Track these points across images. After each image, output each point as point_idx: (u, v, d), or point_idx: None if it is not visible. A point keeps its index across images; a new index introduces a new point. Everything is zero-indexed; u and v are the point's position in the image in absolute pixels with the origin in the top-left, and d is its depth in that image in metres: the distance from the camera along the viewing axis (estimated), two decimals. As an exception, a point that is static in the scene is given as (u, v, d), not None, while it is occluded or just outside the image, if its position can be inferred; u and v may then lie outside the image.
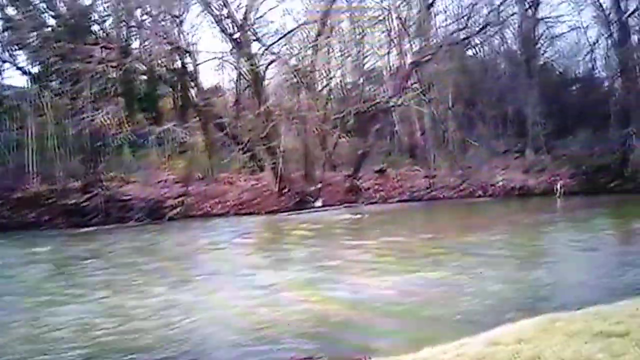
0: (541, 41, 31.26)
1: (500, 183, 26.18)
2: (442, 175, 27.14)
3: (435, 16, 31.59)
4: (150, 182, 21.74)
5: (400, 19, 29.59)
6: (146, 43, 27.56)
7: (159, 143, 22.59)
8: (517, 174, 26.83)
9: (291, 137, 26.49)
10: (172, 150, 23.55)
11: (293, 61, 28.44)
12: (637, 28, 30.34)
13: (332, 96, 31.05)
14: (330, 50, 29.87)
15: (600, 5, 30.15)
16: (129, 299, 10.19)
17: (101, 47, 24.88)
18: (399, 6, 29.93)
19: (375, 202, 25.54)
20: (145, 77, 27.41)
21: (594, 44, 30.87)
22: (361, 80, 30.20)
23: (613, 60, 30.22)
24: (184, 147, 23.60)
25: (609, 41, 30.10)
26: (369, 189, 26.36)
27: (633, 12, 29.65)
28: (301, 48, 28.67)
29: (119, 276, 12.40)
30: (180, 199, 21.79)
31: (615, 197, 23.47)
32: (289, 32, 28.01)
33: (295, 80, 27.28)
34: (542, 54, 31.80)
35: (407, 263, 13.33)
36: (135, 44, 28.58)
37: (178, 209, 21.41)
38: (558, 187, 25.42)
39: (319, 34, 27.63)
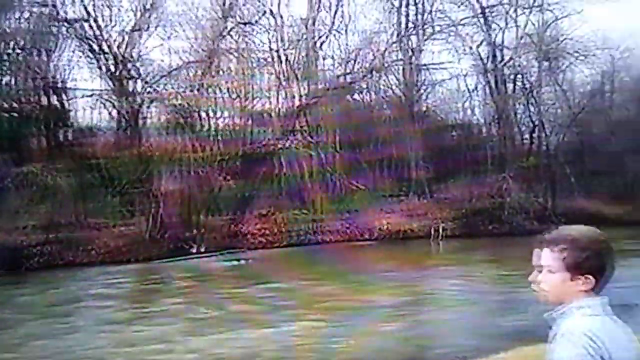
0: (423, 87, 32.22)
1: (385, 227, 26.23)
2: (328, 219, 26.86)
3: (323, 60, 31.84)
4: (7, 228, 19.75)
5: (289, 61, 29.58)
6: (17, 78, 25.82)
7: (18, 186, 20.63)
8: (401, 217, 27.05)
9: (171, 180, 25.35)
10: (35, 194, 21.64)
11: (177, 101, 27.54)
12: (511, 77, 32.02)
13: (218, 137, 30.20)
14: (217, 91, 29.20)
15: (479, 54, 31.62)
16: None
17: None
18: (286, 49, 29.97)
19: (259, 248, 24.76)
20: (9, 115, 25.37)
21: (472, 91, 32.19)
22: (248, 122, 29.73)
23: (490, 107, 31.56)
24: (50, 190, 21.78)
25: (486, 89, 31.50)
26: (252, 233, 25.56)
27: (507, 62, 31.28)
28: (186, 88, 27.85)
29: None
30: (41, 247, 19.94)
31: (492, 240, 24.05)
32: (172, 71, 27.20)
33: (178, 120, 26.42)
34: (425, 100, 32.73)
35: (277, 314, 12.76)
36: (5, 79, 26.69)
37: (37, 259, 19.56)
38: (440, 230, 25.80)
39: (204, 74, 27.03)
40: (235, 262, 21.54)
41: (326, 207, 27.53)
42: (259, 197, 27.53)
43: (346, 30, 31.45)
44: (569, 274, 1.87)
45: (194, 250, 23.25)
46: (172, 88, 27.62)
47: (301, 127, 28.93)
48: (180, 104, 27.07)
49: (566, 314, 1.87)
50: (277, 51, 29.76)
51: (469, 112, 32.88)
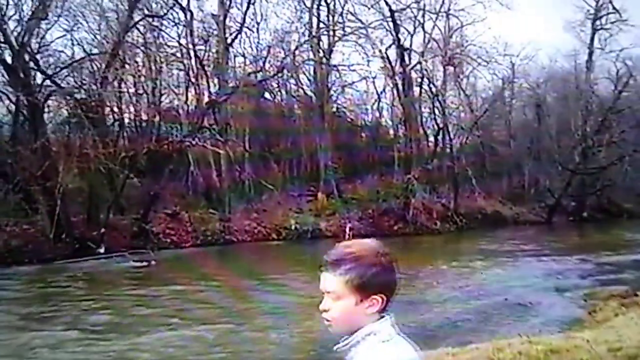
0: (334, 88, 32.62)
1: (293, 226, 26.38)
2: (237, 218, 26.69)
3: (234, 57, 31.54)
4: None
5: (198, 57, 29.03)
6: None
7: None
8: (310, 217, 27.29)
9: (73, 177, 24.38)
10: None
11: (80, 94, 26.49)
12: (418, 80, 32.99)
13: (124, 133, 29.28)
14: (123, 85, 28.31)
15: (388, 57, 32.34)
16: None
17: None
18: (196, 45, 29.39)
19: (166, 248, 24.23)
20: None
21: (381, 93, 32.96)
22: (156, 118, 29.01)
23: (398, 109, 32.39)
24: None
25: (394, 91, 32.29)
26: (159, 233, 24.97)
27: (414, 66, 32.19)
28: (90, 81, 26.78)
29: None
30: None
31: (396, 240, 24.72)
32: (73, 62, 26.08)
33: (81, 114, 25.35)
34: (335, 101, 33.14)
35: (170, 319, 12.55)
36: None
37: None
38: (347, 230, 26.22)
39: (109, 67, 26.05)
40: (140, 263, 20.98)
41: (235, 207, 27.34)
42: (167, 196, 26.95)
43: (258, 29, 31.43)
44: (358, 297, 1.70)
45: (102, 250, 22.43)
46: (75, 81, 26.54)
47: (210, 124, 28.52)
48: (83, 98, 26.04)
49: (360, 343, 1.71)
50: (187, 47, 29.13)
51: (377, 113, 33.67)
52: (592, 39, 37.24)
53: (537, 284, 16.43)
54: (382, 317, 1.75)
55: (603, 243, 23.54)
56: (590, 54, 37.18)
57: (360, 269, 1.70)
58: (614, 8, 36.50)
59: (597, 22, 37.20)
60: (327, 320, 1.76)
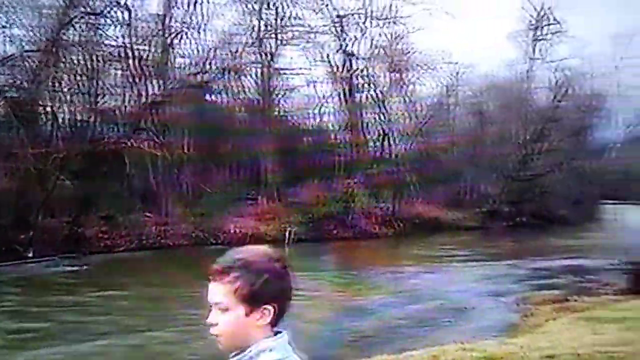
0: (278, 92, 32.30)
1: (233, 230, 25.94)
2: (175, 222, 26.05)
3: (175, 58, 30.79)
4: None
5: (139, 57, 28.27)
6: None
7: None
8: (250, 221, 26.93)
9: (3, 177, 23.39)
10: None
11: (12, 93, 25.55)
12: (363, 86, 33.05)
13: (57, 133, 28.17)
14: (58, 84, 27.27)
15: (334, 62, 32.38)
16: None
17: None
18: (138, 44, 28.60)
19: (99, 252, 23.39)
20: None
21: (325, 98, 32.84)
22: (92, 118, 28.10)
23: (344, 113, 32.38)
24: None
25: (339, 96, 32.28)
26: (92, 237, 24.13)
27: (360, 71, 32.26)
28: (23, 79, 25.79)
29: None
30: None
31: (336, 244, 24.64)
32: (5, 59, 25.05)
33: (13, 113, 24.36)
34: (279, 105, 32.85)
35: (98, 325, 12.09)
36: None
37: None
38: (287, 234, 25.96)
39: (43, 65, 25.12)
40: (70, 268, 20.24)
41: (173, 210, 26.69)
42: (102, 198, 26.08)
43: (202, 30, 30.63)
44: (248, 307, 1.56)
45: (30, 254, 21.49)
46: (7, 79, 25.54)
47: (148, 126, 27.82)
48: (14, 97, 25.14)
49: (253, 359, 1.57)
50: (127, 46, 28.32)
51: (321, 118, 33.51)
52: (533, 49, 38.07)
53: (472, 289, 16.56)
54: (278, 332, 1.61)
55: (537, 248, 23.99)
56: (531, 63, 37.99)
57: (250, 277, 1.56)
58: (554, 19, 37.38)
59: (538, 33, 38.03)
60: (215, 335, 1.61)
